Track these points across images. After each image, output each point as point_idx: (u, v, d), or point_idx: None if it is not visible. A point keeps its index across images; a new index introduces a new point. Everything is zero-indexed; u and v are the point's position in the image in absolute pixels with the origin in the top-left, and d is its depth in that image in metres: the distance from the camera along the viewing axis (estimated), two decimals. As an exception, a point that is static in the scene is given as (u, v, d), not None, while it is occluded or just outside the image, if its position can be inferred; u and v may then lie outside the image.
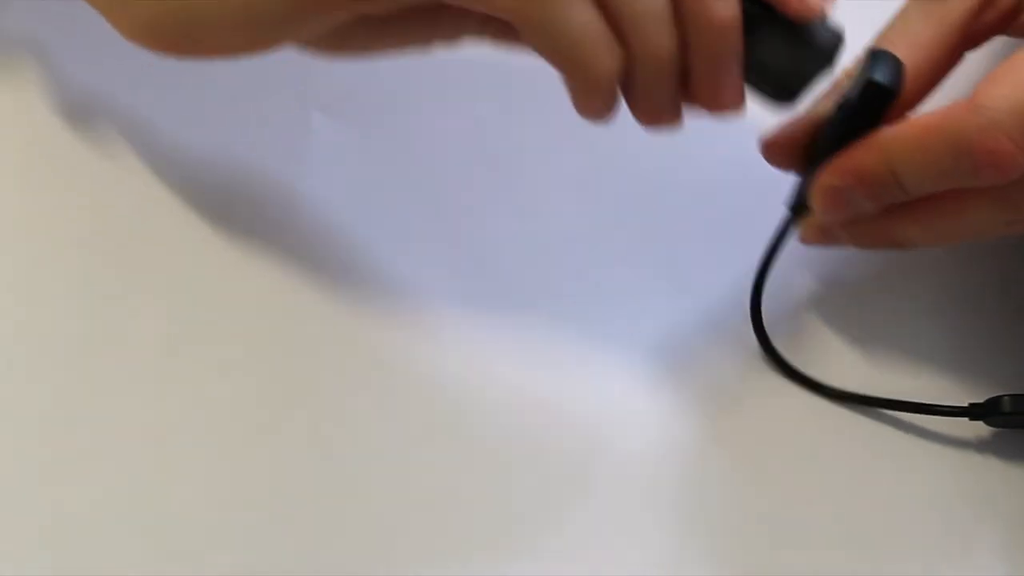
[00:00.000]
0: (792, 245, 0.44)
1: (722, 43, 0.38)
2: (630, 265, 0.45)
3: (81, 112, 0.45)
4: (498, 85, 0.47)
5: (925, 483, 0.42)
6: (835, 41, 0.39)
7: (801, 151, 0.42)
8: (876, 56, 0.40)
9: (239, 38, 0.39)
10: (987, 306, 0.46)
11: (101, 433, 0.40)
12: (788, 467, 0.42)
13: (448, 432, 0.42)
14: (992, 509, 0.42)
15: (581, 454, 0.42)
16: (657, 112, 0.40)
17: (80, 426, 0.40)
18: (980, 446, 0.43)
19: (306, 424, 0.41)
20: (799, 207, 0.43)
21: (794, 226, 0.44)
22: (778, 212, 0.43)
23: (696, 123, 0.40)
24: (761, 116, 0.41)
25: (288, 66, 0.42)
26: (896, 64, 0.40)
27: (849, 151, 0.40)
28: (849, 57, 0.41)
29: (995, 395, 0.43)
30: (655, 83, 0.39)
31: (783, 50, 0.39)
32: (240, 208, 0.45)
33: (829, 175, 0.40)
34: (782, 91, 0.40)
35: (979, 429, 0.43)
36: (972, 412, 0.43)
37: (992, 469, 0.43)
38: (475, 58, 0.43)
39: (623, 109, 0.40)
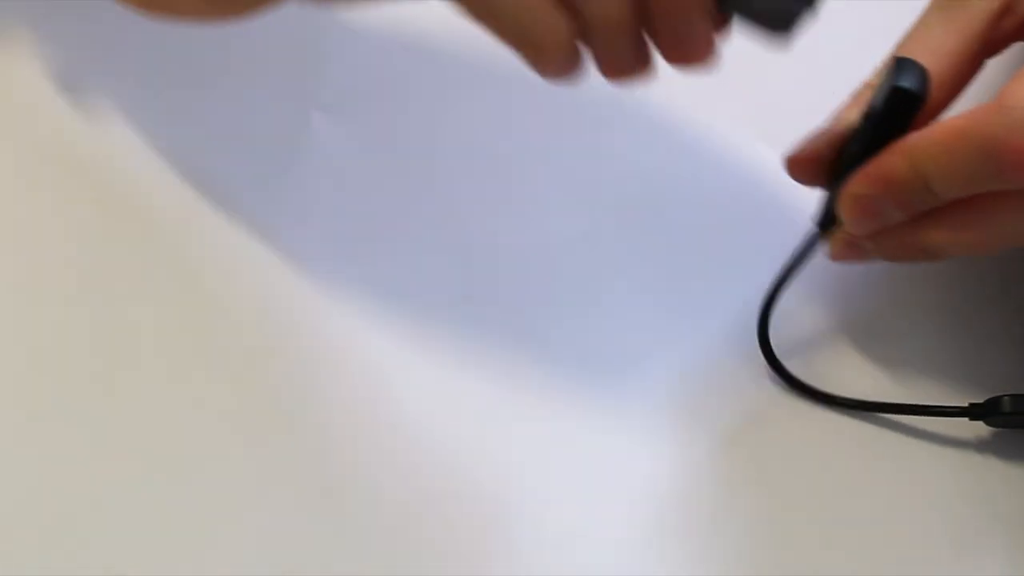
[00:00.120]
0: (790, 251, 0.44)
1: None
2: (630, 278, 0.45)
3: (81, 112, 0.45)
4: (498, 85, 0.47)
5: (925, 484, 0.42)
6: None
7: (826, 165, 0.41)
8: (900, 64, 0.39)
9: None
10: (987, 306, 0.46)
11: (101, 433, 0.40)
12: (788, 468, 0.42)
13: (447, 431, 0.42)
14: (992, 509, 0.42)
15: (583, 468, 0.42)
16: (620, 67, 0.38)
17: (80, 426, 0.40)
18: (980, 446, 0.43)
19: (306, 424, 0.41)
20: (827, 222, 0.42)
21: (821, 242, 0.43)
22: (784, 219, 0.43)
23: (703, 133, 0.40)
24: (770, 128, 0.41)
25: (288, 66, 0.42)
26: (921, 71, 0.39)
27: (876, 159, 0.39)
28: (870, 68, 0.41)
29: (995, 395, 0.43)
30: (613, 39, 0.37)
31: None
32: (240, 207, 0.45)
33: (857, 184, 0.40)
34: (774, 18, 0.37)
35: (979, 429, 0.43)
36: (972, 412, 0.43)
37: (992, 469, 0.43)
38: (475, 58, 0.43)
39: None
